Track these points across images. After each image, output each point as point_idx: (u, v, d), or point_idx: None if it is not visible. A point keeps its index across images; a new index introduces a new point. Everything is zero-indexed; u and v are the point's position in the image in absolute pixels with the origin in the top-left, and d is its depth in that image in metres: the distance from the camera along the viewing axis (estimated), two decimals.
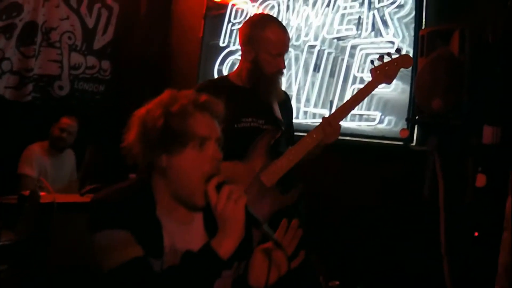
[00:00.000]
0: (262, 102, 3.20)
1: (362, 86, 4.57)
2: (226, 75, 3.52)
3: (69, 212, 3.81)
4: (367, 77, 4.70)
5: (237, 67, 3.39)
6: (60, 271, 3.62)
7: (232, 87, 3.22)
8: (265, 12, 5.68)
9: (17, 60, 5.88)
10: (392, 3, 4.62)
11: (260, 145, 3.05)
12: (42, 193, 3.84)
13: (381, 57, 3.12)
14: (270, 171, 3.01)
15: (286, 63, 5.21)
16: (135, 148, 1.93)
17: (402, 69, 4.59)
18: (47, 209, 3.70)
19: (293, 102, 4.66)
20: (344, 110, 3.13)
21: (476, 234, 3.51)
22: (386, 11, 4.66)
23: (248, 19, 3.78)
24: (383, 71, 3.10)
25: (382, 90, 4.58)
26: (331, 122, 3.00)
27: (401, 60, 3.11)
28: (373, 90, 3.18)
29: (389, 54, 3.11)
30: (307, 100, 5.17)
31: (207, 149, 1.89)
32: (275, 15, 5.57)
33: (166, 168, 1.88)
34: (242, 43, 3.26)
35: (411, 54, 4.45)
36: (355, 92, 3.41)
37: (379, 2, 4.73)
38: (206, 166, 1.88)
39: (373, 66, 3.20)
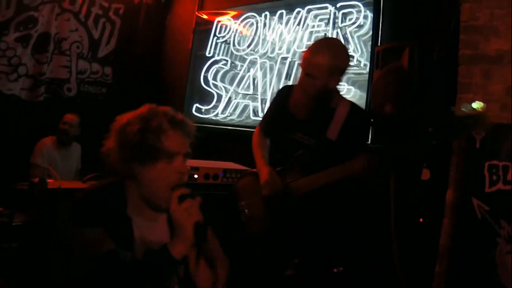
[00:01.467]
0: (320, 120, 2.98)
1: None
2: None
3: (73, 197, 3.75)
4: None
5: None
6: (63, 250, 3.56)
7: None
8: (245, 28, 5.66)
9: (32, 66, 5.85)
10: (353, 23, 4.64)
11: (299, 160, 2.95)
12: (49, 180, 3.78)
13: None
14: (302, 183, 2.93)
15: (262, 72, 5.31)
16: (112, 155, 1.91)
17: (359, 78, 4.68)
18: (53, 194, 3.64)
19: (267, 105, 4.64)
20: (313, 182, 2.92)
21: (421, 220, 3.52)
22: (348, 30, 4.68)
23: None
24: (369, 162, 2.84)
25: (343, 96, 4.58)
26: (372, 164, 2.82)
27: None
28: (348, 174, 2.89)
29: None
30: None
31: (175, 163, 1.88)
32: (253, 32, 5.56)
33: (137, 175, 1.88)
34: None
35: (368, 68, 4.47)
36: None
37: (341, 22, 4.75)
38: (173, 178, 1.88)
39: None
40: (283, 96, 3.24)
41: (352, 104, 3.11)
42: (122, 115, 1.98)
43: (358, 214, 4.01)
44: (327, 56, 2.80)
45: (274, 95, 3.53)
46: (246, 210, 3.08)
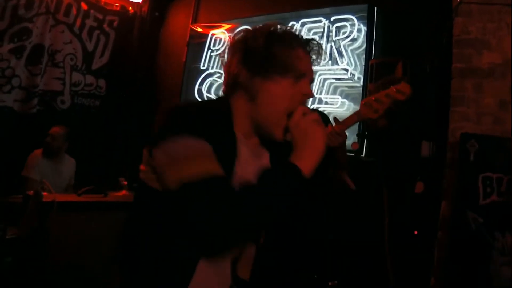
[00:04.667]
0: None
1: (321, 105, 4.65)
2: None
3: (67, 210, 3.73)
4: (325, 98, 4.73)
5: None
6: (57, 264, 3.55)
7: None
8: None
9: (25, 77, 5.80)
10: (347, 37, 4.65)
11: None
12: (44, 193, 3.75)
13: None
14: None
15: None
16: (232, 68, 1.59)
17: (352, 91, 4.70)
18: (48, 207, 3.62)
19: None
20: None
21: (415, 232, 3.52)
22: (342, 44, 4.69)
23: None
24: (370, 103, 2.65)
25: (336, 109, 4.61)
26: None
27: (394, 92, 2.62)
28: (353, 122, 2.77)
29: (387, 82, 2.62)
30: None
31: (301, 84, 1.58)
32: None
33: (256, 91, 1.56)
34: None
35: (361, 81, 4.49)
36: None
37: (335, 36, 4.76)
38: (296, 99, 1.58)
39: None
40: None
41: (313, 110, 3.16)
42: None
43: (352, 226, 4.01)
44: None
45: None
46: None
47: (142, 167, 1.59)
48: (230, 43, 1.65)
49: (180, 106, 1.53)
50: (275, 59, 1.53)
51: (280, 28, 1.61)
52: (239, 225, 1.35)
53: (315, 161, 1.48)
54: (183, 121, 1.43)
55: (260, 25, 1.62)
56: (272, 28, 1.60)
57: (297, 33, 1.63)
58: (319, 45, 1.65)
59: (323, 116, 3.15)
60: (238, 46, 1.60)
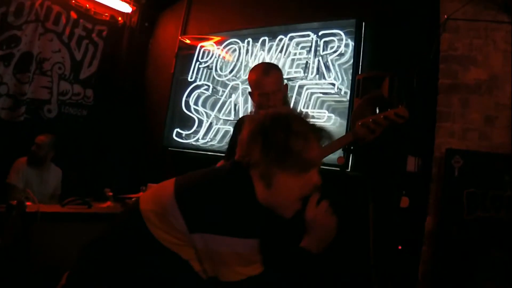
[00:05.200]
0: None
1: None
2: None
3: (51, 221, 3.68)
4: (311, 112, 4.72)
5: None
6: (40, 275, 3.49)
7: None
8: (228, 54, 5.68)
9: (13, 85, 5.74)
10: (334, 51, 4.66)
11: None
12: (28, 203, 3.70)
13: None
14: None
15: (243, 98, 5.30)
16: (253, 154, 1.69)
17: (339, 105, 4.69)
18: (31, 217, 3.57)
19: None
20: None
21: (400, 247, 3.50)
22: (329, 58, 4.70)
23: None
24: (367, 124, 2.61)
25: (323, 124, 4.59)
26: None
27: (393, 115, 2.54)
28: (348, 141, 2.77)
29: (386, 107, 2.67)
30: None
31: (312, 174, 1.72)
32: (235, 58, 5.57)
33: (272, 180, 1.68)
34: None
35: (348, 96, 4.49)
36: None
37: (323, 51, 4.77)
38: (306, 190, 1.74)
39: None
40: (239, 124, 3.26)
41: None
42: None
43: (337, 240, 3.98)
44: (276, 71, 3.01)
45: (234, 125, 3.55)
46: None
47: (152, 217, 1.67)
48: (251, 129, 1.74)
49: (222, 194, 1.63)
50: (292, 154, 1.65)
51: (296, 119, 1.73)
52: None
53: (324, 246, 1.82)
54: (235, 221, 1.58)
55: (278, 113, 1.74)
56: (290, 121, 1.70)
57: (311, 120, 1.79)
58: (328, 132, 1.85)
59: (325, 132, 3.12)
60: (258, 137, 1.69)
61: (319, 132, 1.77)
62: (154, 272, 1.64)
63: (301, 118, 1.76)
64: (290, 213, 1.75)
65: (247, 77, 5.38)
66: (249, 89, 3.05)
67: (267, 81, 2.93)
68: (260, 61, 5.28)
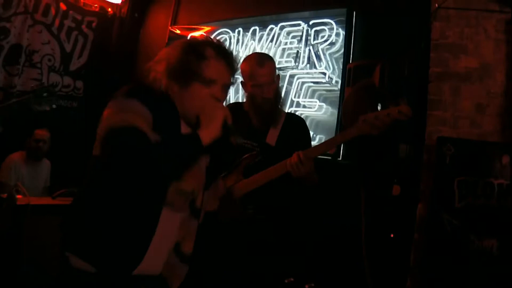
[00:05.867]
0: (259, 127, 3.00)
1: (298, 109, 4.63)
2: (243, 102, 3.23)
3: (42, 213, 3.65)
4: (302, 101, 4.71)
5: None
6: (31, 267, 3.47)
7: (242, 112, 3.05)
8: None
9: (2, 78, 5.69)
10: (325, 40, 4.65)
11: (242, 163, 2.93)
12: (18, 196, 3.67)
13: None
14: (241, 185, 2.90)
15: (234, 88, 5.27)
16: (158, 74, 1.92)
17: (330, 94, 4.68)
18: (22, 210, 3.54)
19: None
20: (317, 150, 2.74)
21: (392, 235, 3.51)
22: (320, 47, 4.69)
23: None
24: (370, 121, 2.53)
25: (314, 112, 4.60)
26: (301, 159, 2.66)
27: (396, 113, 2.47)
28: (351, 137, 2.65)
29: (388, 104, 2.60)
30: None
31: (211, 89, 1.89)
32: (226, 47, 5.52)
33: (174, 94, 1.90)
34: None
35: (339, 85, 4.48)
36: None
37: (314, 40, 4.75)
38: (206, 102, 1.88)
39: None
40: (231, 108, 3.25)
41: (288, 114, 3.15)
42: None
43: (329, 228, 3.99)
44: (271, 62, 2.96)
45: None
46: None
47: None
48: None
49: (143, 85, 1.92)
50: (184, 69, 1.87)
51: (198, 41, 1.96)
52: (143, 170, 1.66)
53: (211, 136, 1.80)
54: (137, 91, 1.83)
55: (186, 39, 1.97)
56: (189, 43, 1.94)
57: (215, 43, 1.96)
58: (233, 56, 1.98)
59: (300, 120, 3.13)
60: (161, 57, 1.94)
61: (224, 54, 1.94)
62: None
63: (209, 43, 1.94)
64: (194, 121, 1.90)
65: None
66: (241, 79, 3.00)
67: (262, 72, 2.89)
68: (251, 51, 5.26)
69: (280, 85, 3.23)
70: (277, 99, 2.99)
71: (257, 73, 2.89)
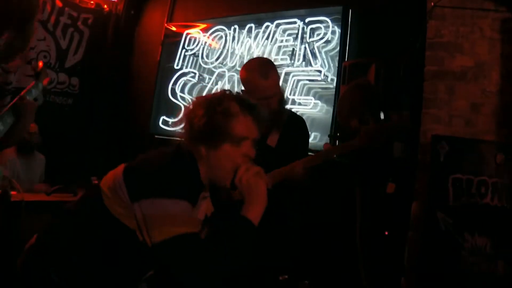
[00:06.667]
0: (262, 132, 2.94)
1: (294, 106, 4.62)
2: None
3: (36, 209, 3.64)
4: (298, 99, 4.71)
5: None
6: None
7: None
8: (214, 41, 5.64)
9: None
10: (321, 38, 4.65)
11: None
12: (13, 192, 3.65)
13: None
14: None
15: (230, 85, 5.27)
16: (184, 137, 1.88)
17: (326, 92, 4.68)
18: (16, 206, 3.52)
19: None
20: (315, 158, 2.73)
21: (386, 233, 3.51)
22: (316, 45, 4.68)
23: None
24: (372, 134, 2.62)
25: (309, 110, 4.59)
26: (296, 166, 2.68)
27: (396, 126, 2.61)
28: (353, 149, 2.71)
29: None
30: None
31: (243, 147, 1.85)
32: (222, 45, 5.53)
33: (205, 157, 1.84)
34: None
35: (335, 83, 4.48)
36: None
37: (309, 37, 4.75)
38: (238, 161, 1.84)
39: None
40: None
41: (290, 113, 3.07)
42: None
43: (324, 226, 3.98)
44: (274, 71, 2.87)
45: None
46: None
47: (107, 191, 1.79)
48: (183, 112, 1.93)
49: (177, 160, 1.80)
50: (212, 130, 1.80)
51: (219, 98, 1.87)
52: (212, 274, 1.61)
53: (261, 210, 1.76)
54: (169, 183, 1.68)
55: (207, 97, 1.89)
56: (211, 101, 1.85)
57: (237, 97, 1.89)
58: (257, 107, 1.91)
59: (300, 121, 3.09)
60: (185, 123, 1.88)
61: (249, 108, 1.88)
62: (108, 240, 1.76)
63: (231, 98, 1.88)
64: (228, 183, 1.87)
65: (233, 64, 5.38)
66: (242, 87, 2.89)
67: (267, 85, 2.79)
68: (247, 48, 5.26)
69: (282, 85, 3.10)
70: (282, 105, 2.91)
71: (262, 86, 2.77)
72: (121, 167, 1.83)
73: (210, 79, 5.63)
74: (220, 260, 1.62)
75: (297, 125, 3.04)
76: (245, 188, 1.79)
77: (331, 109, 4.48)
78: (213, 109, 1.81)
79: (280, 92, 2.87)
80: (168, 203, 1.64)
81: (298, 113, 4.40)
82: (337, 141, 4.09)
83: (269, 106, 2.74)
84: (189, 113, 1.86)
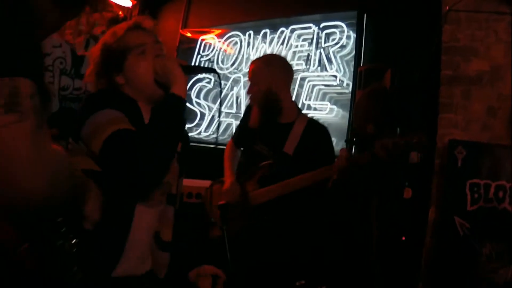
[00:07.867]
0: (278, 134, 2.96)
1: (309, 112, 4.65)
2: None
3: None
4: (313, 104, 4.73)
5: None
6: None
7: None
8: (229, 47, 5.69)
9: None
10: (336, 43, 4.67)
11: (258, 173, 2.95)
12: None
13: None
14: (257, 194, 2.93)
15: (245, 91, 5.29)
16: (96, 81, 1.89)
17: (341, 97, 4.71)
18: None
19: None
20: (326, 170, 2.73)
21: (403, 238, 3.52)
22: (331, 50, 4.70)
23: None
24: (388, 148, 2.57)
25: (325, 115, 4.61)
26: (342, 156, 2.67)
27: (415, 143, 2.51)
28: (368, 161, 2.68)
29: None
30: None
31: (148, 53, 1.85)
32: (237, 50, 5.57)
33: (125, 84, 1.85)
34: None
35: (350, 88, 4.50)
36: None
37: (325, 42, 4.77)
38: (153, 65, 1.83)
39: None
40: (248, 108, 3.30)
41: (309, 121, 3.05)
42: None
43: (340, 231, 3.99)
44: (261, 63, 3.03)
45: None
46: (210, 216, 3.13)
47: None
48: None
49: (92, 93, 1.85)
50: (113, 54, 1.83)
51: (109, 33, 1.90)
52: (155, 156, 1.61)
53: (183, 85, 1.77)
54: (99, 101, 1.73)
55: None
56: (104, 40, 1.89)
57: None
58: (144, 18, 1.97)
59: (322, 129, 3.09)
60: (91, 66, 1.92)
61: (134, 26, 1.91)
62: None
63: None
64: (160, 94, 1.81)
65: (248, 69, 5.41)
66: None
67: (251, 67, 3.05)
68: (262, 54, 5.30)
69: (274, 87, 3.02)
70: (268, 97, 2.97)
71: (250, 67, 3.06)
72: None
73: (225, 84, 5.66)
74: (159, 137, 1.64)
75: (318, 133, 3.01)
76: (161, 72, 1.79)
77: (347, 114, 4.50)
78: (103, 43, 1.85)
79: (257, 86, 2.98)
80: (93, 117, 1.66)
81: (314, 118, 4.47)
82: (353, 146, 4.11)
83: (260, 91, 2.95)
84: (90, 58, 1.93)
